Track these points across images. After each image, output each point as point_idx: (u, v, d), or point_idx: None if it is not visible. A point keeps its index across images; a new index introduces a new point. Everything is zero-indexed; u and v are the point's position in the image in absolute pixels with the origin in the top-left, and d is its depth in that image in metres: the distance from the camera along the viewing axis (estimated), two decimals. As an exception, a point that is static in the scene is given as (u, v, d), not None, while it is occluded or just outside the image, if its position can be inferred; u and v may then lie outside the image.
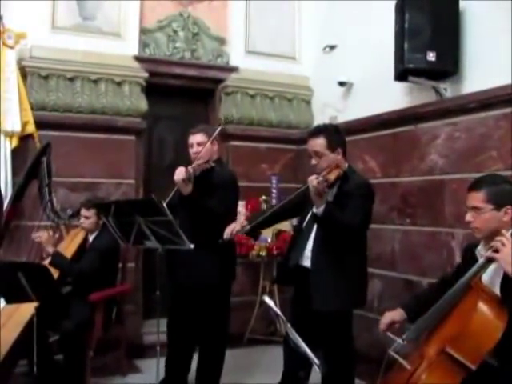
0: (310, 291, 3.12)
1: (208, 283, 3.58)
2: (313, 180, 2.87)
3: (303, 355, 2.29)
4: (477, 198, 2.39)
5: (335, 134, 3.23)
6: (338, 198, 3.10)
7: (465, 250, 2.71)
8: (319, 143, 3.16)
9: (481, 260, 2.33)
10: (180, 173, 3.32)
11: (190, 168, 3.35)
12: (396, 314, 2.66)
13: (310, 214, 3.18)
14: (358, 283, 3.20)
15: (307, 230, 3.23)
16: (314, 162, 3.17)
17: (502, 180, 2.47)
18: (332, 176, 2.98)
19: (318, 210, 2.94)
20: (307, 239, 3.20)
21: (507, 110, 3.69)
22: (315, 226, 3.16)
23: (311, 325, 3.07)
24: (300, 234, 3.31)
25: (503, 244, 2.21)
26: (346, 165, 3.26)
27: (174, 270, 3.66)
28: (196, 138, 3.61)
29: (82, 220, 4.12)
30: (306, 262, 3.19)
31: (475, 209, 2.39)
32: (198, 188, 3.39)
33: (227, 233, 3.22)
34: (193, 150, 3.60)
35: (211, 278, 3.57)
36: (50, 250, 3.88)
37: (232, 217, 3.68)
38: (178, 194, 3.39)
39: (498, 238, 2.24)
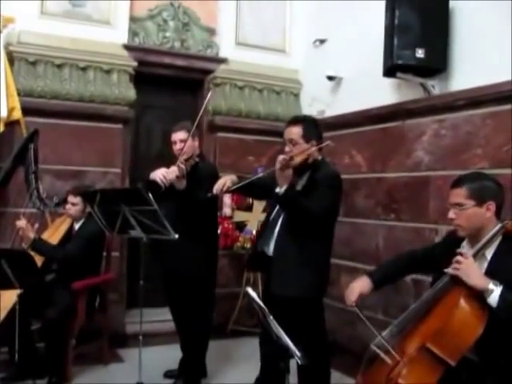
0: (271, 275, 3.19)
1: (195, 274, 3.70)
2: (279, 157, 2.94)
3: (283, 347, 2.29)
4: (459, 195, 2.40)
5: (312, 126, 3.26)
6: (308, 188, 3.13)
7: (450, 238, 2.64)
8: (295, 131, 3.19)
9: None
10: (173, 171, 3.42)
11: (180, 164, 3.44)
12: (363, 286, 2.67)
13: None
14: (319, 271, 3.21)
15: (275, 219, 3.26)
16: (287, 149, 3.20)
17: (484, 177, 2.48)
18: (298, 157, 3.03)
19: (280, 190, 2.96)
20: (274, 228, 3.23)
21: (494, 109, 3.72)
22: (282, 215, 3.19)
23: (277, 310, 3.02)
24: (268, 223, 3.33)
25: (458, 262, 2.29)
26: (320, 157, 3.28)
27: (162, 259, 3.81)
28: (178, 136, 3.77)
29: (69, 206, 4.09)
30: (271, 249, 3.23)
31: (457, 205, 2.40)
32: (187, 183, 3.51)
33: (217, 188, 3.19)
34: (176, 147, 3.76)
35: (198, 268, 3.70)
36: (31, 235, 3.82)
37: (215, 207, 3.96)
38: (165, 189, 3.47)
39: (455, 259, 2.31)
